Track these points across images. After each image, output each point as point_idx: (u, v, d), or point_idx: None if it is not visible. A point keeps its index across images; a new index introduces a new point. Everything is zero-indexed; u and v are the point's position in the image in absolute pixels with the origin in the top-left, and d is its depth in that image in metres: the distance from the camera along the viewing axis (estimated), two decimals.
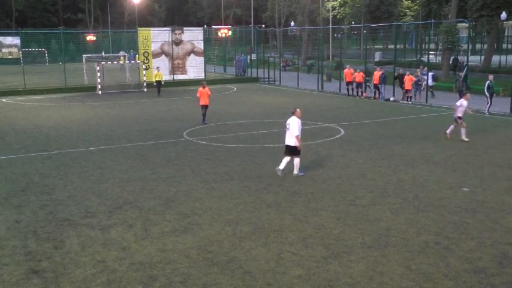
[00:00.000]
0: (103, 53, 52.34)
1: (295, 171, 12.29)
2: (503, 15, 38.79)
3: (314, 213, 9.83)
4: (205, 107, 19.85)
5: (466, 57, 32.45)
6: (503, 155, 14.46)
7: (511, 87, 24.52)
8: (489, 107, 22.35)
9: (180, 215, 9.83)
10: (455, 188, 11.34)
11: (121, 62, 38.53)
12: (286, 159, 12.21)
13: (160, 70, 32.08)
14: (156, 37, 36.57)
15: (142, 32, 36.84)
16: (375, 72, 27.59)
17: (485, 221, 9.34)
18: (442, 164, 13.54)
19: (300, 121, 12.23)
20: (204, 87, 19.73)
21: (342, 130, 18.48)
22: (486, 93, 22.44)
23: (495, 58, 45.12)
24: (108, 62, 38.69)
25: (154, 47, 36.34)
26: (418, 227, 9.06)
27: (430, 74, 27.73)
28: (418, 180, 11.99)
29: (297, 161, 12.22)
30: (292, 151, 12.16)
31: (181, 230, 9.03)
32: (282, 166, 12.24)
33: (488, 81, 22.37)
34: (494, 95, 23.03)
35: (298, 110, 12.46)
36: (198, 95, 19.93)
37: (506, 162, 13.69)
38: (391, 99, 26.93)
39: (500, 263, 7.57)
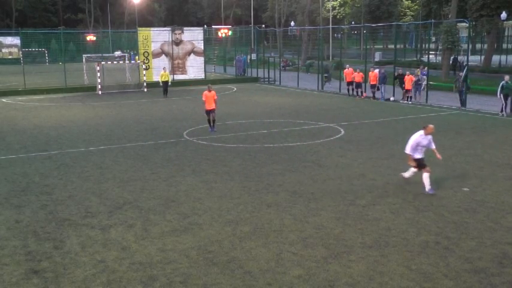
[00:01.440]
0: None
1: (426, 189, 10.99)
2: (503, 15, 38.81)
3: (314, 213, 9.84)
4: (211, 111, 18.17)
5: (466, 57, 32.45)
6: (503, 155, 14.46)
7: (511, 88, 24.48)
8: (504, 107, 21.57)
9: (180, 215, 9.84)
10: (455, 188, 11.34)
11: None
12: (413, 169, 11.38)
13: (166, 70, 31.33)
14: (156, 37, 36.59)
15: (142, 32, 36.86)
16: (370, 73, 27.68)
17: (485, 220, 9.34)
18: (443, 163, 13.53)
19: (420, 138, 10.98)
20: (210, 91, 18.05)
21: (342, 130, 18.49)
22: (499, 94, 21.68)
23: (495, 58, 45.15)
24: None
25: (155, 47, 36.35)
26: (418, 227, 9.06)
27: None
28: (418, 180, 11.97)
29: (424, 175, 11.00)
30: (415, 163, 11.19)
31: (182, 230, 9.03)
32: (407, 174, 11.60)
33: (503, 82, 21.56)
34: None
35: (430, 126, 11.14)
36: (203, 98, 18.18)
37: (506, 162, 13.69)
38: (391, 99, 26.93)
39: (500, 263, 7.57)
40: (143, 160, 14.38)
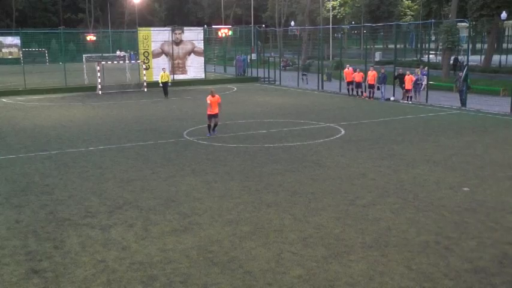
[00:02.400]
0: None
1: None
2: (503, 14, 38.79)
3: (314, 213, 9.83)
4: (214, 116, 17.50)
5: (466, 57, 32.47)
6: (504, 155, 14.46)
7: (511, 87, 24.48)
8: None
9: (180, 214, 9.83)
10: (455, 188, 11.34)
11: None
12: None
13: (166, 71, 31.29)
14: (156, 37, 36.58)
15: (143, 32, 36.85)
16: (369, 72, 27.74)
17: (485, 220, 9.34)
18: (443, 163, 13.54)
19: None
20: (213, 96, 17.36)
21: (342, 130, 18.48)
22: None
23: (495, 58, 45.14)
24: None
25: (155, 46, 36.35)
26: (418, 226, 9.06)
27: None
28: (418, 180, 11.99)
29: None
30: None
31: (182, 230, 9.03)
32: None
33: None
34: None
35: None
36: (208, 101, 17.48)
37: (506, 162, 13.68)
38: (391, 99, 26.93)
39: (500, 263, 7.57)
40: (143, 160, 14.38)
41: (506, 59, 46.38)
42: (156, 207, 10.27)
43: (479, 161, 13.74)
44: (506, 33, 56.54)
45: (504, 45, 54.43)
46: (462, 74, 24.93)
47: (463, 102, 24.08)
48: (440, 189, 11.28)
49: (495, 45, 48.72)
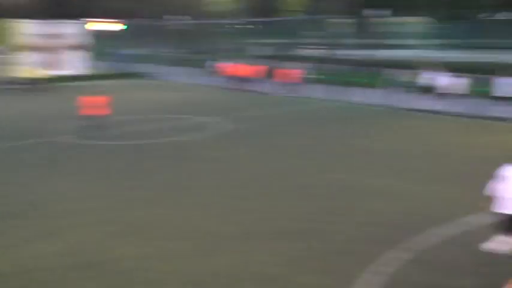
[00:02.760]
0: None
1: None
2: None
3: (183, 207, 9.73)
4: (97, 116, 16.58)
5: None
6: (362, 142, 15.51)
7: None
8: None
9: (45, 218, 9.16)
10: (327, 175, 11.86)
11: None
12: (502, 237, 7.06)
13: (35, 66, 29.55)
14: (28, 29, 33.82)
15: (11, 24, 33.82)
16: (250, 67, 28.75)
17: (351, 204, 9.87)
18: (308, 153, 14.15)
19: None
20: (95, 96, 16.69)
21: (223, 123, 18.56)
22: None
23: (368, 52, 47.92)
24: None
25: (24, 39, 33.57)
26: (289, 216, 9.28)
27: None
28: (292, 171, 12.40)
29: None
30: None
31: (46, 236, 8.39)
32: (492, 245, 7.25)
33: None
34: None
35: None
36: (86, 103, 16.44)
37: (365, 148, 14.70)
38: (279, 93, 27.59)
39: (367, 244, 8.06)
40: (8, 162, 13.23)
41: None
42: (18, 214, 9.42)
43: (344, 149, 14.57)
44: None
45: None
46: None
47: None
48: (309, 175, 11.74)
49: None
